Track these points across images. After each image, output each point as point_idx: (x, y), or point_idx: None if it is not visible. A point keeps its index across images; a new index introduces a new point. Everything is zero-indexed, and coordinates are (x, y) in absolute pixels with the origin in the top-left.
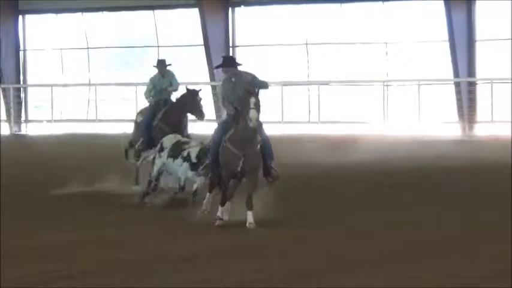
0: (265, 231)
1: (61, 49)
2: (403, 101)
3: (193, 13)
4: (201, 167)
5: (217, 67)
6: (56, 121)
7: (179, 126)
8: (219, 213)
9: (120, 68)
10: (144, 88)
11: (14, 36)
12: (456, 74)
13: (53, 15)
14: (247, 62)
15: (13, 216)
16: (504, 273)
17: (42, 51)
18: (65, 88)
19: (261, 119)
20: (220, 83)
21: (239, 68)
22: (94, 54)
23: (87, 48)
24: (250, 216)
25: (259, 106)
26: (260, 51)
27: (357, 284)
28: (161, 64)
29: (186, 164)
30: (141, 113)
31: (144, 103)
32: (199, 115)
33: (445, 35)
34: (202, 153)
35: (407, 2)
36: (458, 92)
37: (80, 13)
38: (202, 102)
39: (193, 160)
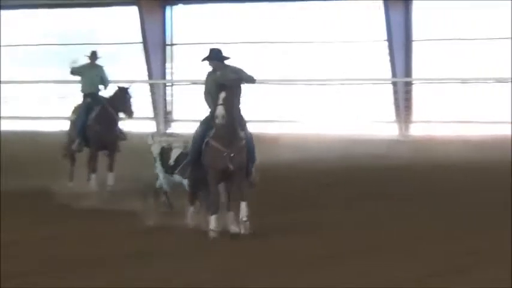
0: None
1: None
2: (341, 100)
3: (132, 11)
4: (178, 168)
5: (203, 60)
6: None
7: (113, 126)
8: (211, 226)
9: (58, 65)
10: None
11: None
12: (393, 73)
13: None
14: (184, 60)
15: None
16: (444, 272)
17: None
18: (2, 85)
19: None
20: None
21: (226, 62)
22: (32, 51)
23: (25, 45)
24: (244, 209)
25: (231, 101)
26: (198, 49)
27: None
28: (93, 55)
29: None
30: (75, 111)
31: (79, 101)
32: (128, 113)
33: (382, 34)
34: (181, 156)
35: (345, 1)
36: (395, 92)
37: (19, 10)
38: (132, 100)
39: (171, 162)
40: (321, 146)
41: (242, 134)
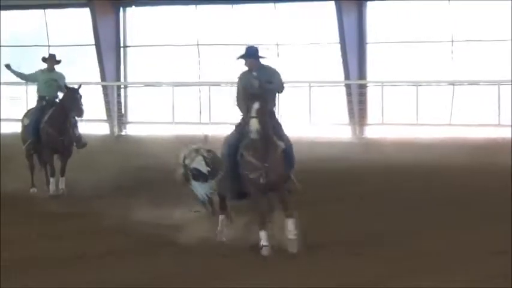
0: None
1: None
2: (294, 102)
3: (85, 13)
4: (211, 180)
5: (238, 58)
6: None
7: (65, 128)
8: (263, 241)
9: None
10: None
11: None
12: (347, 76)
13: None
14: (138, 62)
15: None
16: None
17: None
18: None
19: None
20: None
21: (262, 61)
22: None
23: None
24: (291, 224)
25: (265, 111)
26: (152, 51)
27: None
28: (51, 59)
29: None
30: (26, 115)
31: (32, 104)
32: (78, 113)
33: (335, 36)
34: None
35: (298, 3)
36: (348, 94)
37: None
38: (82, 100)
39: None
40: None
41: (279, 143)
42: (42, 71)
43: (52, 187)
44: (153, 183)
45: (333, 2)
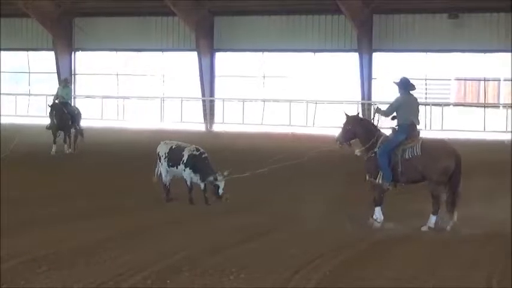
0: None
1: None
2: None
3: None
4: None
5: (394, 82)
6: None
7: (65, 119)
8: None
9: None
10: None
11: None
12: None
13: None
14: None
15: None
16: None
17: None
18: None
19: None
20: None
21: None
22: None
23: None
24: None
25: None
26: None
27: None
28: (65, 81)
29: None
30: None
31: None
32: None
33: None
34: (192, 156)
35: None
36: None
37: None
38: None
39: (184, 160)
40: None
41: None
42: (59, 88)
43: (66, 148)
44: None
45: None
